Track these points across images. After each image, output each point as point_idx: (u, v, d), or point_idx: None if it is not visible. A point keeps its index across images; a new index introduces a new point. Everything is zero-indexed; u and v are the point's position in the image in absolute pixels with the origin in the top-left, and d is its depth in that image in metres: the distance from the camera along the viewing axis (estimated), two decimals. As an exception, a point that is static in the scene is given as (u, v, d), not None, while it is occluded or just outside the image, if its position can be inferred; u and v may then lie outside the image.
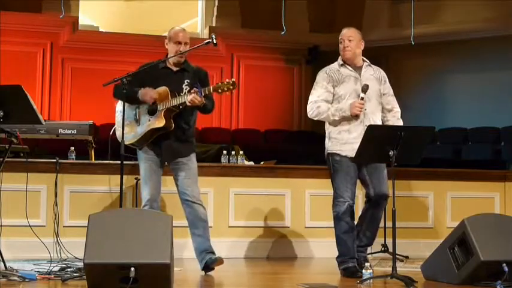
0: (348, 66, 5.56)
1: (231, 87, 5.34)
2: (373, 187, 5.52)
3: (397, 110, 5.71)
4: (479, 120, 12.73)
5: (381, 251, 6.79)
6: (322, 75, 5.59)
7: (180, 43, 5.53)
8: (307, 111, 5.60)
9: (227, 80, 5.37)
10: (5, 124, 4.90)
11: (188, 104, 5.32)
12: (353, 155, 5.32)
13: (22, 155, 6.04)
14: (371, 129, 5.20)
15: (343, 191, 5.45)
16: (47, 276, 4.95)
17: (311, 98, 5.57)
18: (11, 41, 12.12)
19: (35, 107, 4.91)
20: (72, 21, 12.77)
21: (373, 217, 5.59)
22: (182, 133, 5.50)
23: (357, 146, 5.24)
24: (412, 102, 13.45)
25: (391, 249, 5.40)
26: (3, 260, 4.95)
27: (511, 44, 12.61)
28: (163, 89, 5.42)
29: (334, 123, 5.52)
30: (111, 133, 5.72)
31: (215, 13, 13.63)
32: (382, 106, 5.65)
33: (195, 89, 5.32)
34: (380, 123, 5.58)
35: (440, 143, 12.62)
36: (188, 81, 5.51)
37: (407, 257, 6.81)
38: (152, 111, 5.46)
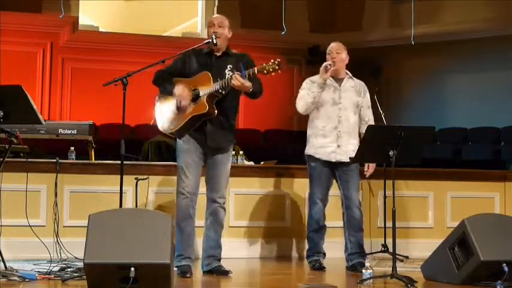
0: (330, 77, 5.90)
1: (277, 67, 5.05)
2: (343, 191, 5.91)
3: (372, 123, 6.02)
4: (479, 120, 12.74)
5: (381, 251, 6.79)
6: (306, 81, 6.03)
7: (212, 25, 5.40)
8: (298, 109, 5.97)
9: (272, 60, 5.09)
10: (5, 124, 4.89)
11: (232, 85, 5.11)
12: (327, 158, 5.83)
13: (22, 155, 6.04)
14: (371, 130, 5.28)
15: (314, 194, 5.93)
16: (47, 276, 4.95)
17: (297, 98, 5.99)
18: (11, 41, 12.12)
19: (35, 107, 4.91)
20: (72, 21, 12.77)
21: (349, 223, 5.88)
22: (226, 120, 5.35)
23: (331, 149, 5.81)
24: (412, 102, 13.47)
25: (391, 249, 5.41)
26: (3, 260, 4.95)
27: (511, 44, 12.61)
28: (204, 74, 5.27)
29: (312, 128, 5.95)
30: (151, 123, 5.60)
31: (215, 13, 13.62)
32: (360, 117, 5.99)
33: (237, 72, 5.13)
34: (356, 131, 5.94)
35: (440, 143, 12.63)
36: (231, 66, 5.32)
37: (407, 257, 6.81)
38: (194, 98, 5.28)
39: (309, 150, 5.96)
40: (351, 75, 6.02)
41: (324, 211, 5.95)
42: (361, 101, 5.97)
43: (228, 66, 5.34)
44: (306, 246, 6.15)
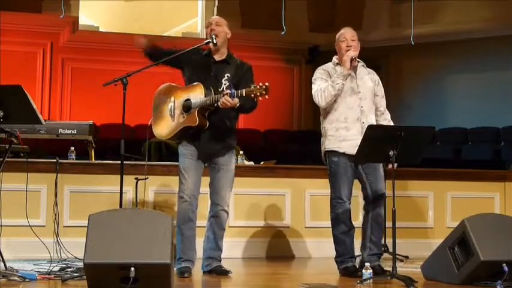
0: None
1: (264, 92, 5.00)
2: (370, 185, 5.50)
3: (388, 112, 5.72)
4: (479, 120, 12.74)
5: (381, 251, 6.79)
6: (319, 71, 5.62)
7: (210, 25, 5.41)
8: (316, 101, 5.52)
9: (260, 84, 5.02)
10: (5, 124, 4.90)
11: (220, 106, 5.14)
12: (352, 152, 5.32)
13: (22, 155, 6.03)
14: (371, 129, 5.21)
15: (341, 192, 5.46)
16: (47, 276, 4.94)
17: (313, 89, 5.55)
18: (11, 41, 12.12)
19: (35, 107, 4.90)
20: (72, 21, 12.77)
21: (374, 221, 5.53)
22: (219, 131, 5.34)
23: (355, 142, 5.27)
24: (412, 102, 13.47)
25: (391, 249, 5.40)
26: (3, 260, 4.95)
27: (511, 44, 12.61)
28: (197, 85, 5.28)
29: (331, 121, 5.52)
30: (149, 123, 5.61)
31: (215, 13, 13.62)
32: (376, 107, 5.65)
33: (227, 91, 5.13)
34: (374, 122, 5.57)
35: (440, 143, 12.63)
36: (229, 75, 5.34)
37: (407, 257, 6.81)
38: (187, 108, 5.30)
39: (330, 145, 5.52)
40: (363, 63, 5.67)
41: (350, 210, 5.51)
42: (375, 90, 5.62)
43: (226, 75, 5.35)
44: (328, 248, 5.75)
